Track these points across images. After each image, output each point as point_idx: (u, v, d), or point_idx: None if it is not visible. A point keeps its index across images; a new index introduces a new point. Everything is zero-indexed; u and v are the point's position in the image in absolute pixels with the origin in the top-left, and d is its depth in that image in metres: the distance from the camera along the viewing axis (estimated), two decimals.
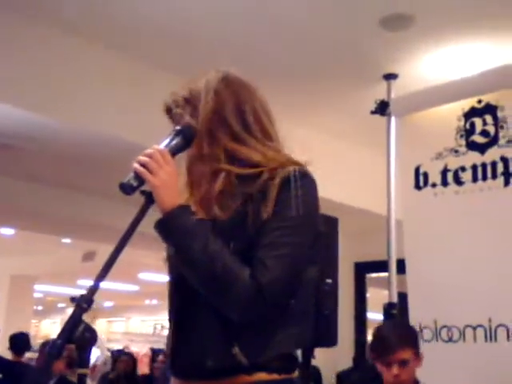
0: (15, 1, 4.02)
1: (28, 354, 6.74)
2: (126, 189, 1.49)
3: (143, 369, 9.51)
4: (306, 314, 1.62)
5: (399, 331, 2.99)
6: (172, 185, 1.52)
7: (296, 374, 1.60)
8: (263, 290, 1.46)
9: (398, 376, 2.78)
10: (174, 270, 1.66)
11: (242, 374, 1.50)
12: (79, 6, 4.11)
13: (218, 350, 1.49)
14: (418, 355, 2.86)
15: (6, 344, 6.74)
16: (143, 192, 1.52)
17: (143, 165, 1.50)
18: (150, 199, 1.52)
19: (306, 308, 1.62)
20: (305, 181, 1.59)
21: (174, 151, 1.58)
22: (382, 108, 4.16)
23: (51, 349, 1.35)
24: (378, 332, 3.01)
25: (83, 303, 1.37)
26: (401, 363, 2.79)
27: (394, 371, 2.78)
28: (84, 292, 1.40)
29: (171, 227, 1.51)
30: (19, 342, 6.67)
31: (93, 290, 1.40)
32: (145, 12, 4.14)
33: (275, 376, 1.53)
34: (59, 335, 1.36)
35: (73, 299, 1.39)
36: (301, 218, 1.55)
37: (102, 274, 1.44)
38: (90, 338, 1.39)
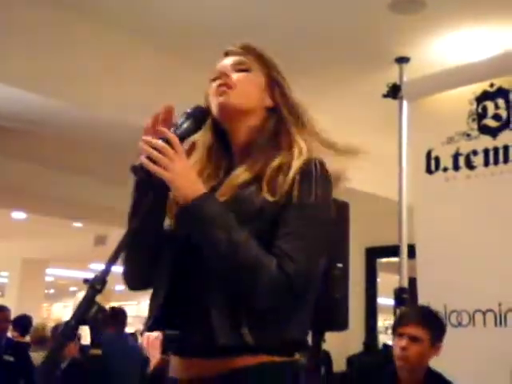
0: None
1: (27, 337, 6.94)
2: (138, 171, 1.49)
3: (154, 353, 9.54)
4: (314, 301, 1.63)
5: (419, 310, 3.03)
6: (188, 174, 1.51)
7: (298, 356, 1.59)
8: (290, 280, 1.46)
9: (405, 349, 2.81)
10: (180, 234, 1.60)
11: (246, 354, 1.50)
12: None
13: (228, 328, 1.48)
14: (433, 342, 2.85)
15: None
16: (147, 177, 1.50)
17: (154, 160, 1.47)
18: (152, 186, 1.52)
19: (315, 295, 1.62)
20: (324, 170, 1.60)
21: (184, 135, 1.57)
22: (394, 92, 4.14)
23: (64, 330, 1.36)
24: (402, 310, 3.06)
25: (96, 284, 1.37)
26: (411, 338, 2.81)
27: (403, 343, 2.82)
28: (97, 274, 1.40)
29: (195, 216, 1.48)
30: (23, 323, 6.94)
31: (105, 272, 1.40)
32: (169, 5, 4.14)
33: (276, 358, 1.52)
34: (72, 316, 1.36)
35: (86, 281, 1.39)
36: (321, 207, 1.57)
37: (115, 257, 1.44)
38: (103, 319, 1.40)
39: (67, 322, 1.36)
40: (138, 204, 1.58)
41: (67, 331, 1.36)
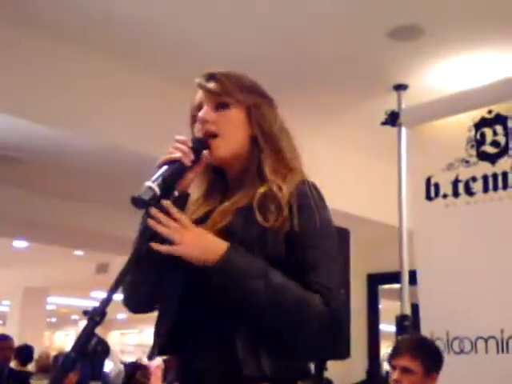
0: (27, 15, 4.07)
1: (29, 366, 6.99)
2: (138, 203, 1.50)
3: (156, 382, 9.47)
4: None
5: (413, 341, 3.01)
6: (200, 240, 1.51)
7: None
8: (336, 313, 1.49)
9: (398, 382, 2.81)
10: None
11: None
12: (91, 19, 4.15)
13: (251, 359, 1.47)
14: (427, 372, 2.83)
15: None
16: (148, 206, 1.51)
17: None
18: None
19: None
20: (320, 193, 1.63)
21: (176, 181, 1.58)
22: (393, 119, 4.16)
23: (64, 362, 1.36)
24: (397, 340, 3.05)
25: (96, 316, 1.38)
26: (403, 369, 2.81)
27: (395, 375, 2.83)
28: (96, 305, 1.41)
29: (227, 274, 1.47)
30: (25, 352, 6.95)
31: (105, 302, 1.41)
32: (157, 26, 4.18)
33: None
34: (72, 348, 1.37)
35: (85, 312, 1.40)
36: (330, 231, 1.61)
37: (115, 287, 1.45)
38: (103, 350, 1.40)
39: (67, 354, 1.37)
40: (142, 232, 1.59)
41: (67, 363, 1.36)
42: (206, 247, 1.50)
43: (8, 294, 14.60)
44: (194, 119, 1.72)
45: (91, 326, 1.37)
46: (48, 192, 6.84)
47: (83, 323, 1.40)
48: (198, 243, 1.50)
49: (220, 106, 1.67)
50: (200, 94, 1.71)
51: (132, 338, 23.04)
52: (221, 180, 1.74)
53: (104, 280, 10.43)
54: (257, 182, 1.63)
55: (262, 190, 1.59)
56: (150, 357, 1.69)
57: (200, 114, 1.68)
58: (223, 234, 1.54)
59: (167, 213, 1.50)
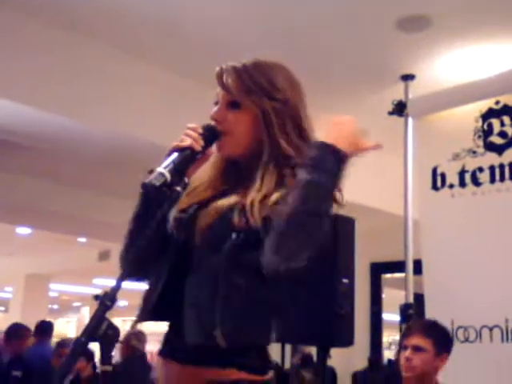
0: (45, 7, 4.07)
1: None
2: (149, 188, 1.50)
3: None
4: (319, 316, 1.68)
5: (423, 321, 3.05)
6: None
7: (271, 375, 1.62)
8: None
9: (409, 360, 2.85)
10: (188, 233, 1.64)
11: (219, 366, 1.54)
12: (109, 15, 4.16)
13: (200, 329, 1.54)
14: (438, 351, 2.88)
15: None
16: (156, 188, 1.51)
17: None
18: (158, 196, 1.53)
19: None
20: None
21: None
22: (400, 109, 4.15)
23: (75, 346, 1.37)
24: (408, 323, 3.10)
25: (107, 301, 1.38)
26: (415, 348, 2.86)
27: (406, 353, 2.87)
28: (107, 290, 1.41)
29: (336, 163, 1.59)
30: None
31: (116, 288, 1.41)
32: (165, 17, 4.17)
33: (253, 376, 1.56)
34: (83, 333, 1.37)
35: (96, 297, 1.40)
36: None
37: (126, 273, 1.48)
38: (113, 335, 1.40)
39: (77, 339, 1.37)
40: (142, 216, 1.65)
41: (78, 347, 1.37)
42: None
43: (10, 281, 14.65)
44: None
45: (102, 310, 1.38)
46: (52, 179, 6.86)
47: (86, 310, 1.40)
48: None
49: (232, 104, 1.68)
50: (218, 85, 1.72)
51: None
52: (233, 168, 1.75)
53: (106, 267, 10.46)
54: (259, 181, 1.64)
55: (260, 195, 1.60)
56: (136, 321, 1.71)
57: (212, 112, 1.70)
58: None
59: None
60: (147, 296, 1.68)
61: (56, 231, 9.55)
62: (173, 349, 1.63)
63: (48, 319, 7.67)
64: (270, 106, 1.66)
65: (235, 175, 1.74)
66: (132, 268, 1.60)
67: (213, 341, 1.49)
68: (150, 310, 1.65)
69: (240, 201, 1.60)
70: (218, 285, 1.53)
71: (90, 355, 5.41)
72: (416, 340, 2.87)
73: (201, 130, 1.63)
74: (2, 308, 19.25)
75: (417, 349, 2.85)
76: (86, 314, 18.96)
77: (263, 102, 1.66)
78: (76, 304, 20.54)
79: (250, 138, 1.68)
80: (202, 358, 1.53)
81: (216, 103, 1.71)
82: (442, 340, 2.93)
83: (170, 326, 1.68)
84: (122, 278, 1.46)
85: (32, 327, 7.28)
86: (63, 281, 15.61)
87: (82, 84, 4.38)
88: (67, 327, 22.46)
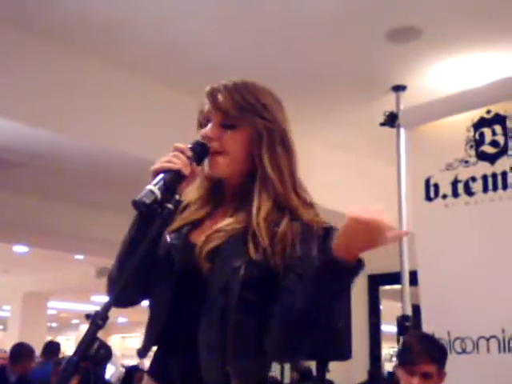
0: (30, 21, 4.08)
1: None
2: (140, 206, 1.50)
3: None
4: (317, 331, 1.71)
5: (428, 345, 3.00)
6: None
7: None
8: None
9: None
10: (188, 262, 1.62)
11: None
12: (91, 27, 4.17)
13: (215, 366, 1.54)
14: (441, 372, 2.87)
15: None
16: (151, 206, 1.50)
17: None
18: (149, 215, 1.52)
19: None
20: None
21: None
22: (391, 120, 4.16)
23: (67, 365, 1.36)
24: (408, 341, 3.04)
25: (98, 320, 1.38)
26: (423, 375, 2.82)
27: (415, 381, 2.81)
28: (98, 309, 1.41)
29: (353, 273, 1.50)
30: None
31: (108, 306, 1.41)
32: (155, 33, 4.19)
33: None
34: (74, 352, 1.37)
35: (88, 316, 1.40)
36: None
37: (118, 291, 1.47)
38: (105, 354, 1.40)
39: (70, 358, 1.37)
40: (137, 236, 1.60)
41: (70, 367, 1.36)
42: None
43: (8, 299, 14.62)
44: (200, 124, 1.72)
45: (93, 330, 1.37)
46: (48, 197, 6.85)
47: (84, 327, 1.41)
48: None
49: (226, 124, 1.66)
50: (206, 104, 1.69)
51: (133, 342, 23.03)
52: (218, 187, 1.74)
53: (104, 284, 10.39)
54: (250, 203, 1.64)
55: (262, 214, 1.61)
56: (140, 355, 1.70)
57: (205, 130, 1.67)
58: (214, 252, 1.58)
59: None
60: (149, 331, 1.67)
61: (53, 249, 9.53)
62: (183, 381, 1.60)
63: (48, 337, 7.65)
64: (262, 125, 1.66)
65: (221, 195, 1.73)
66: (122, 296, 1.57)
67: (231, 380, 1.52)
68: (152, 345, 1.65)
69: (241, 224, 1.61)
70: (228, 325, 1.54)
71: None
72: (426, 368, 2.83)
73: (190, 153, 1.59)
74: (1, 327, 19.19)
75: (426, 376, 2.82)
76: (84, 332, 18.86)
77: (256, 122, 1.66)
78: (75, 321, 20.51)
79: (243, 157, 1.67)
80: None
81: (203, 121, 1.70)
82: (443, 360, 2.92)
83: (172, 355, 1.63)
84: (114, 296, 1.46)
85: (32, 346, 7.26)
86: (61, 298, 15.58)
87: (75, 99, 4.39)
88: (66, 345, 22.38)
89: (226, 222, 1.63)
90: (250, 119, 1.65)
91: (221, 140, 1.65)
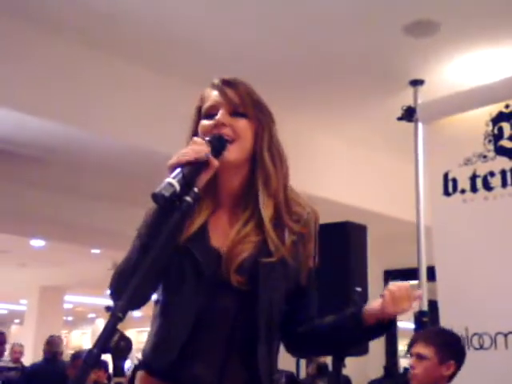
0: (46, 16, 4.10)
1: None
2: (159, 199, 1.50)
3: None
4: None
5: (428, 330, 3.07)
6: None
7: None
8: None
9: (413, 368, 2.89)
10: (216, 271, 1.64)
11: None
12: (107, 24, 4.18)
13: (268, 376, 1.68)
14: (441, 359, 2.86)
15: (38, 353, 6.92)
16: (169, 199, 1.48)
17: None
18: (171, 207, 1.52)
19: None
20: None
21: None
22: (409, 114, 4.15)
23: (87, 358, 1.36)
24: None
25: (118, 313, 1.37)
26: (417, 356, 2.88)
27: (410, 362, 2.92)
28: (119, 302, 1.40)
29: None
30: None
31: (127, 300, 1.41)
32: (169, 28, 4.19)
33: None
34: (95, 344, 1.36)
35: (108, 308, 1.40)
36: None
37: (137, 285, 1.46)
38: (126, 346, 1.40)
39: (90, 350, 1.36)
40: (156, 227, 1.58)
41: (90, 359, 1.36)
42: None
43: (25, 293, 14.70)
44: (199, 116, 1.73)
45: (113, 322, 1.37)
46: (65, 191, 6.87)
47: (100, 322, 1.39)
48: None
49: (237, 113, 1.69)
50: (212, 95, 1.72)
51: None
52: (211, 187, 1.72)
53: None
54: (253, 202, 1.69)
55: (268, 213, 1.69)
56: (168, 357, 1.67)
57: (218, 116, 1.68)
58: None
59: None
60: (174, 331, 1.65)
61: (69, 243, 9.57)
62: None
63: (63, 331, 7.71)
64: (266, 122, 1.73)
65: (215, 193, 1.74)
66: (137, 295, 1.47)
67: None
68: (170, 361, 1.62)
69: (258, 234, 1.67)
70: (275, 338, 1.69)
71: (105, 366, 5.43)
72: (418, 348, 2.90)
73: (207, 148, 1.59)
74: (17, 320, 19.32)
75: (419, 357, 2.88)
76: (100, 326, 18.98)
77: (261, 117, 1.72)
78: (91, 315, 20.58)
79: (250, 148, 1.70)
80: None
81: (211, 112, 1.70)
82: (445, 347, 2.90)
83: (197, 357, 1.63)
84: (134, 290, 1.45)
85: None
86: (77, 292, 15.65)
87: (91, 93, 4.41)
88: (82, 339, 22.51)
89: (246, 230, 1.67)
90: (257, 113, 1.71)
91: (233, 126, 1.67)
